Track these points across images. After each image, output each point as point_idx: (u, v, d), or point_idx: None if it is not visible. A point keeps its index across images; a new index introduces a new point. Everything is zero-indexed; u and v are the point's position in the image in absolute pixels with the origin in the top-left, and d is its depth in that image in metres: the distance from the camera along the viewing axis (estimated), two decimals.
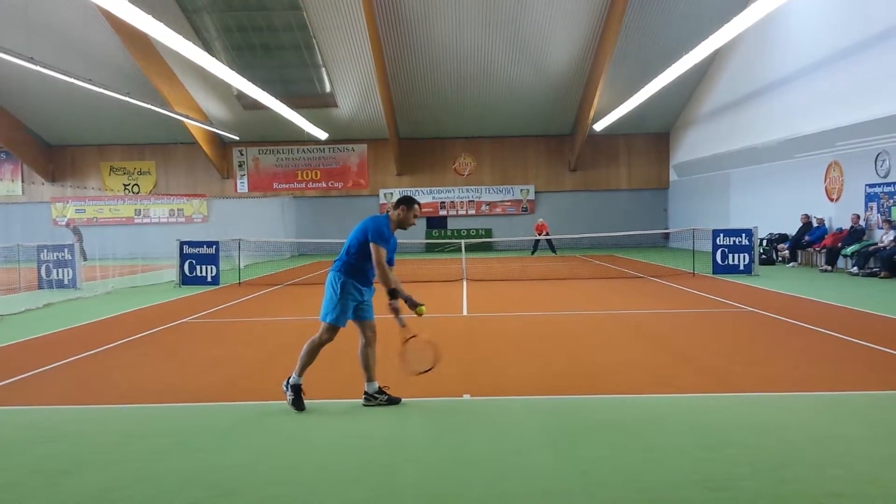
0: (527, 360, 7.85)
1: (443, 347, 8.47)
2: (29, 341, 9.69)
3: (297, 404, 5.83)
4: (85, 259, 23.25)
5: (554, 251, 28.50)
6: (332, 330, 5.89)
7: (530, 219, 32.59)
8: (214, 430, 5.45)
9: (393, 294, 5.86)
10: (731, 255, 17.25)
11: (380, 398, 6.02)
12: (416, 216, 6.03)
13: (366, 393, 6.05)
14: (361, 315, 6.01)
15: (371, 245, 5.74)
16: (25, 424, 5.76)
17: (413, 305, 5.95)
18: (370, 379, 6.04)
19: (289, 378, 5.94)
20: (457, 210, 33.27)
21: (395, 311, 5.92)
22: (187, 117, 26.51)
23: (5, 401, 6.49)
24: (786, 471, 4.33)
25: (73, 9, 22.15)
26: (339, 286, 5.86)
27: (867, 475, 4.25)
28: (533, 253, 28.81)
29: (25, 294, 15.75)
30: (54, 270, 16.71)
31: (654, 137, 32.76)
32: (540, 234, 27.85)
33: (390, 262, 5.98)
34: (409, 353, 5.99)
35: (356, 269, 5.91)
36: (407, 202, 6.00)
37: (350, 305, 5.89)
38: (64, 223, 31.87)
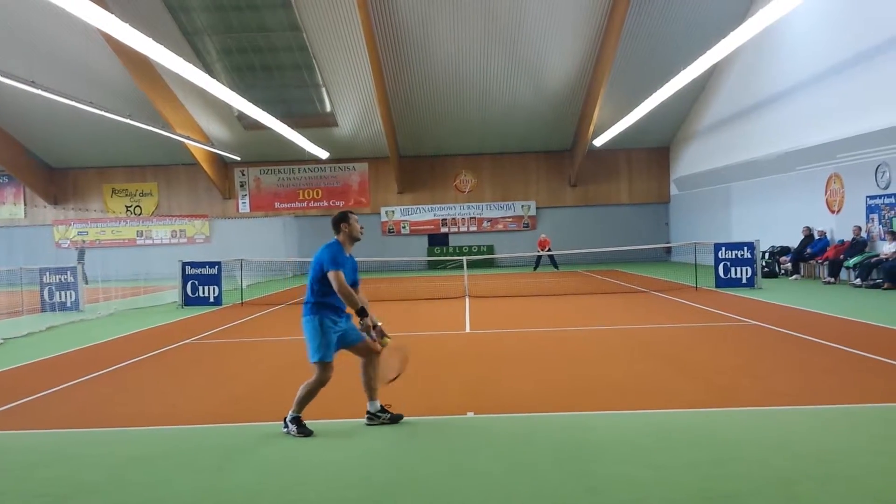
0: (531, 376, 7.82)
1: (446, 365, 8.46)
2: (32, 364, 9.67)
3: (305, 432, 5.75)
4: (86, 283, 23.26)
5: (556, 267, 28.48)
6: (325, 367, 5.83)
7: (532, 235, 32.58)
8: (218, 452, 5.42)
9: (362, 313, 5.81)
10: (733, 269, 17.22)
11: (382, 416, 6.00)
12: (358, 224, 5.99)
13: (368, 412, 6.03)
14: (348, 341, 5.95)
15: (329, 274, 5.69)
16: (29, 448, 5.74)
17: (381, 335, 5.91)
18: (372, 398, 6.02)
19: (286, 417, 5.84)
20: (458, 227, 33.29)
21: (367, 329, 5.86)
22: (189, 138, 26.61)
23: (9, 425, 6.47)
24: (794, 486, 4.30)
25: (74, 33, 22.28)
26: (316, 326, 5.84)
27: (874, 489, 4.22)
28: (535, 269, 28.79)
29: (28, 317, 15.74)
30: (57, 293, 16.71)
31: (654, 152, 32.82)
32: (542, 250, 27.85)
33: (354, 283, 5.94)
34: (382, 362, 5.99)
35: (323, 304, 5.85)
36: (342, 218, 5.95)
37: (333, 339, 5.84)
38: (67, 245, 31.96)
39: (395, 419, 6.02)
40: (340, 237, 5.94)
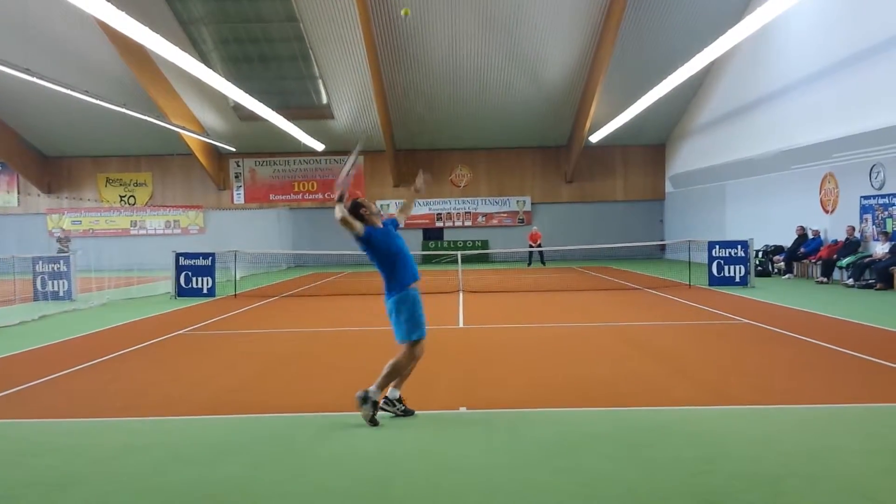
0: (523, 372, 7.84)
1: (438, 360, 8.48)
2: (24, 353, 9.65)
3: (382, 409, 5.90)
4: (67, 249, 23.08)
5: (543, 263, 28.47)
6: (418, 344, 5.96)
7: (527, 230, 32.60)
8: (210, 443, 5.43)
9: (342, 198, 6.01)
10: (726, 267, 17.28)
11: (397, 406, 6.02)
12: (366, 205, 6.19)
13: (387, 397, 6.02)
14: None
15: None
16: (20, 437, 5.74)
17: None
18: (397, 385, 6.05)
19: (366, 392, 5.79)
20: (453, 221, 33.29)
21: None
22: (184, 129, 26.54)
23: (0, 413, 6.46)
24: (782, 484, 4.33)
25: (69, 20, 22.19)
26: (411, 302, 5.95)
27: (862, 488, 4.25)
28: (529, 265, 28.76)
29: (21, 306, 15.70)
30: (49, 282, 16.66)
31: (650, 149, 32.86)
32: (533, 244, 27.76)
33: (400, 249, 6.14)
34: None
35: (399, 279, 5.99)
36: (355, 209, 6.11)
37: (423, 315, 6.00)
38: (57, 234, 31.84)
39: (408, 413, 6.05)
40: (367, 222, 6.04)
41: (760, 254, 20.86)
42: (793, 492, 4.21)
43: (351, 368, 8.13)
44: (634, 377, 7.42)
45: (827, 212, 19.32)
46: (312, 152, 31.33)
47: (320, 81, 27.22)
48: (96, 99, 19.52)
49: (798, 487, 4.28)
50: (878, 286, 15.69)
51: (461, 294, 16.89)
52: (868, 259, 16.70)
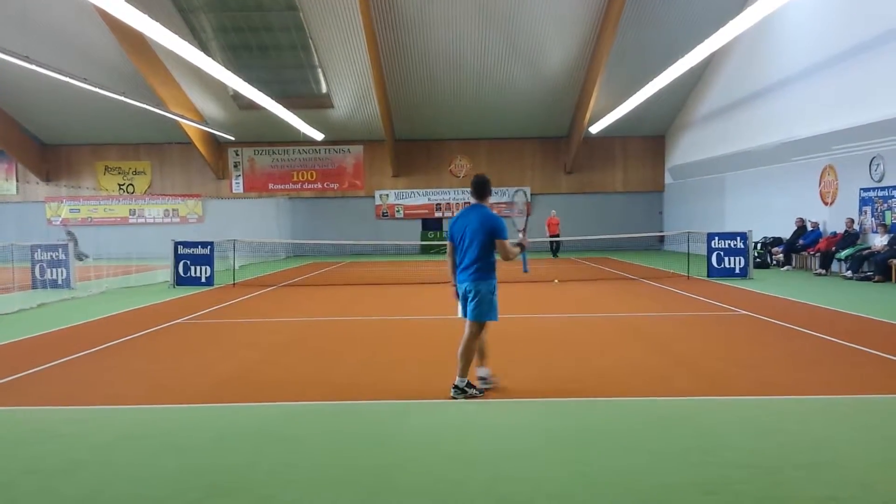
0: (524, 362, 7.85)
1: (438, 350, 8.49)
2: (23, 341, 9.65)
3: (475, 390, 6.27)
4: (81, 259, 23.11)
5: (555, 254, 28.31)
6: (484, 325, 6.36)
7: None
8: (209, 432, 5.43)
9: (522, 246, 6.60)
10: (726, 259, 17.28)
11: (495, 380, 6.46)
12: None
13: (480, 377, 6.43)
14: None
15: (502, 242, 6.24)
16: (19, 424, 5.74)
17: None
18: (482, 364, 6.46)
19: (456, 384, 6.22)
20: (452, 211, 33.20)
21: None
22: (183, 117, 26.45)
23: None
24: (781, 474, 4.34)
25: (69, 8, 22.09)
26: (494, 288, 6.32)
27: (860, 479, 4.27)
28: (555, 255, 28.19)
29: (19, 294, 15.69)
30: (48, 270, 16.65)
31: (649, 140, 32.80)
32: (553, 234, 27.12)
33: None
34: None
35: (492, 265, 6.34)
36: (489, 187, 6.62)
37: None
38: (59, 222, 31.81)
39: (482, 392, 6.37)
40: (487, 203, 6.47)
41: (759, 245, 20.87)
42: (791, 482, 4.22)
43: (350, 357, 8.13)
44: (635, 368, 7.43)
45: (826, 204, 19.31)
46: (312, 142, 31.27)
47: (320, 70, 27.12)
48: (95, 87, 19.45)
49: (796, 478, 4.29)
50: (877, 278, 15.71)
51: None
52: (867, 251, 16.71)
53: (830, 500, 3.95)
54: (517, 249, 6.44)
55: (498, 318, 6.31)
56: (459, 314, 6.45)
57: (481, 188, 6.47)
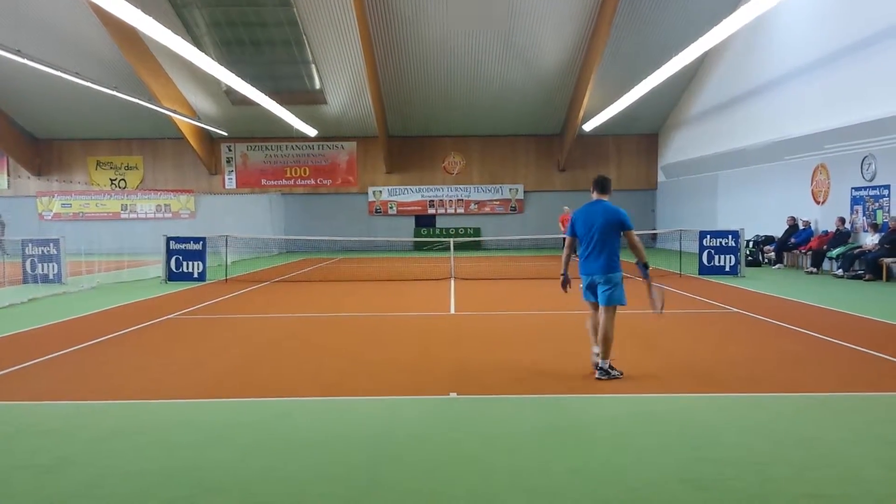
0: (514, 358, 7.86)
1: (430, 346, 8.50)
2: (13, 336, 9.61)
3: (617, 371, 6.79)
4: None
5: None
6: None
7: (519, 218, 32.67)
8: (199, 427, 5.42)
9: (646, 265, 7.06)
10: (717, 257, 17.34)
11: (614, 372, 6.80)
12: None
13: (595, 354, 6.91)
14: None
15: (632, 234, 6.94)
16: (10, 420, 5.72)
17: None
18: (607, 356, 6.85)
19: (599, 366, 6.75)
20: (445, 209, 33.25)
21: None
22: (175, 112, 26.35)
23: None
24: (771, 471, 4.37)
25: (61, 2, 21.97)
26: (621, 275, 6.90)
27: (849, 476, 4.30)
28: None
29: (10, 288, 15.60)
30: (39, 265, 16.57)
31: (643, 138, 32.86)
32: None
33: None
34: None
35: (618, 254, 6.95)
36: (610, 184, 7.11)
37: None
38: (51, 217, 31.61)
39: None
40: (608, 198, 6.95)
41: (751, 244, 20.94)
42: (781, 478, 4.24)
43: (342, 353, 8.13)
44: (624, 364, 7.44)
45: (818, 202, 19.38)
46: (305, 137, 31.21)
47: (313, 66, 27.06)
48: (87, 81, 19.37)
49: (786, 475, 4.31)
50: (867, 277, 15.78)
51: (453, 281, 16.89)
52: (858, 250, 16.79)
53: (821, 497, 3.98)
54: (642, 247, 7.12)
55: (626, 301, 6.91)
56: (583, 298, 7.11)
57: (606, 184, 7.03)
